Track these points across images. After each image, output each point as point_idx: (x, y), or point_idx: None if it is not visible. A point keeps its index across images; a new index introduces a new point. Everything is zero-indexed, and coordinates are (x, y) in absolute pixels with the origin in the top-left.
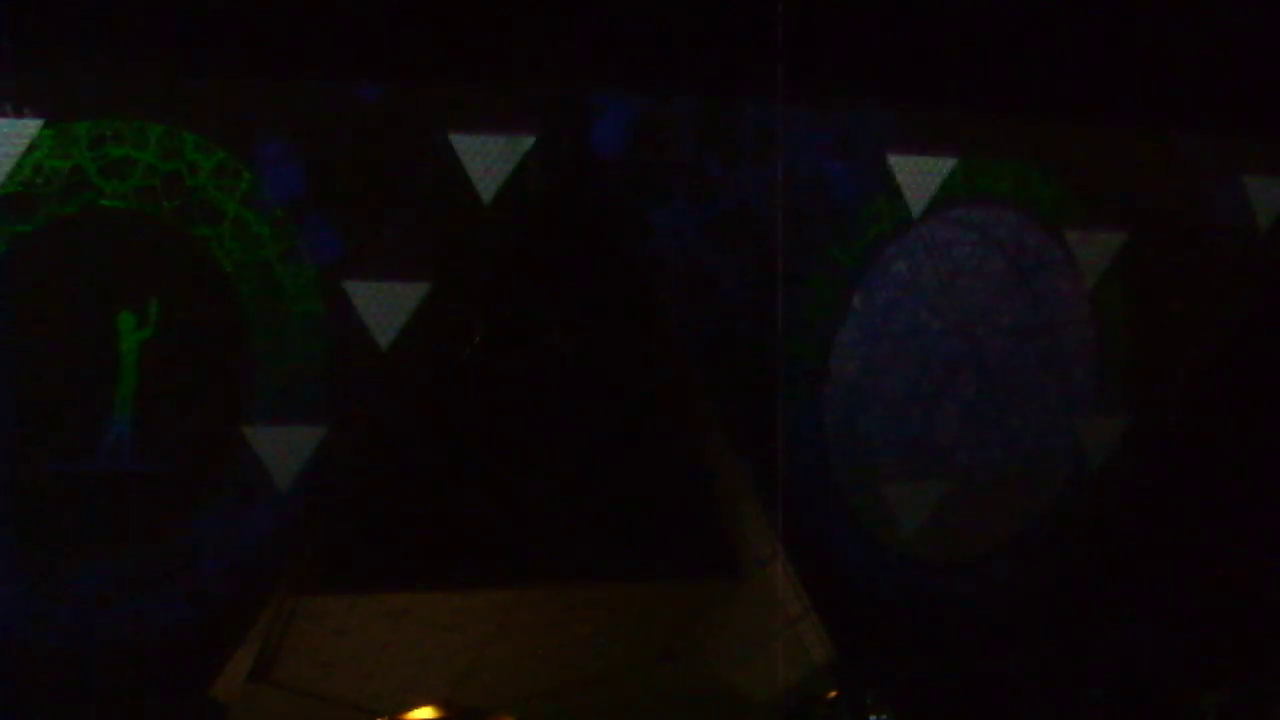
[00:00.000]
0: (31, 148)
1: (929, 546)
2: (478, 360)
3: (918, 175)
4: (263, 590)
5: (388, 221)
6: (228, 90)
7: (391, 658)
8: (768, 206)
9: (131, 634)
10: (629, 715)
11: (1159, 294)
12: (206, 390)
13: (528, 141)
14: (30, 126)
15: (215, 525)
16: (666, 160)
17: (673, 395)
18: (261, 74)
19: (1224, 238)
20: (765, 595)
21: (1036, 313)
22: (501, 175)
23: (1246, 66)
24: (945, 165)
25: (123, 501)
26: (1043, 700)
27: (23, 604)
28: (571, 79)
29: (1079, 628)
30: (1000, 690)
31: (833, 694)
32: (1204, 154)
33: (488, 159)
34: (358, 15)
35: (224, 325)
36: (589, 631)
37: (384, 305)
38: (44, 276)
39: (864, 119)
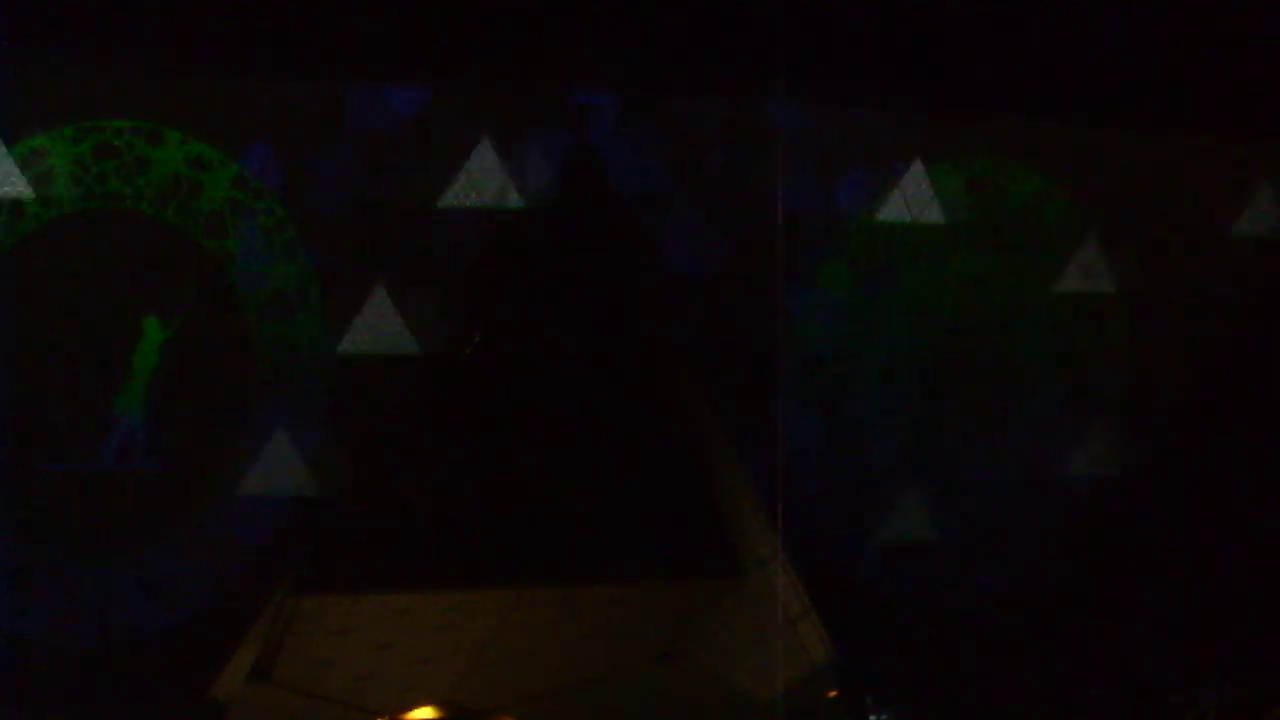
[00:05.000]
0: (39, 148)
1: (929, 547)
2: (479, 360)
3: (919, 177)
4: (263, 590)
5: (393, 225)
6: (234, 95)
7: (391, 658)
8: (768, 207)
9: (132, 634)
10: (629, 715)
11: (1171, 297)
12: (213, 393)
13: (529, 144)
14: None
15: (217, 525)
16: (667, 161)
17: (673, 396)
18: (270, 79)
19: (1239, 243)
20: (765, 595)
21: (1040, 315)
22: (502, 177)
23: (1263, 71)
24: (950, 168)
25: (129, 502)
26: (1043, 700)
27: (25, 604)
28: (573, 81)
29: (1079, 628)
30: (1000, 690)
31: (833, 694)
32: (1219, 159)
33: (489, 161)
34: (369, 21)
35: (230, 329)
36: (589, 631)
37: (385, 307)
38: (46, 277)
39: (864, 120)
